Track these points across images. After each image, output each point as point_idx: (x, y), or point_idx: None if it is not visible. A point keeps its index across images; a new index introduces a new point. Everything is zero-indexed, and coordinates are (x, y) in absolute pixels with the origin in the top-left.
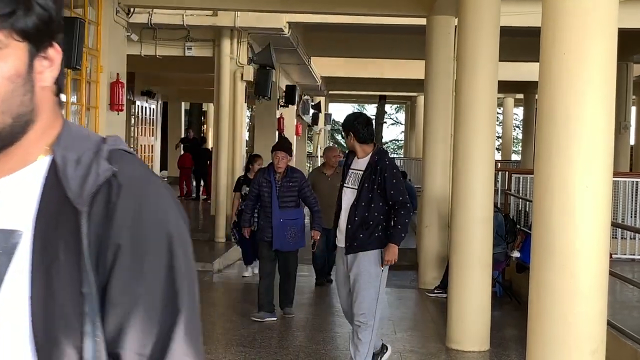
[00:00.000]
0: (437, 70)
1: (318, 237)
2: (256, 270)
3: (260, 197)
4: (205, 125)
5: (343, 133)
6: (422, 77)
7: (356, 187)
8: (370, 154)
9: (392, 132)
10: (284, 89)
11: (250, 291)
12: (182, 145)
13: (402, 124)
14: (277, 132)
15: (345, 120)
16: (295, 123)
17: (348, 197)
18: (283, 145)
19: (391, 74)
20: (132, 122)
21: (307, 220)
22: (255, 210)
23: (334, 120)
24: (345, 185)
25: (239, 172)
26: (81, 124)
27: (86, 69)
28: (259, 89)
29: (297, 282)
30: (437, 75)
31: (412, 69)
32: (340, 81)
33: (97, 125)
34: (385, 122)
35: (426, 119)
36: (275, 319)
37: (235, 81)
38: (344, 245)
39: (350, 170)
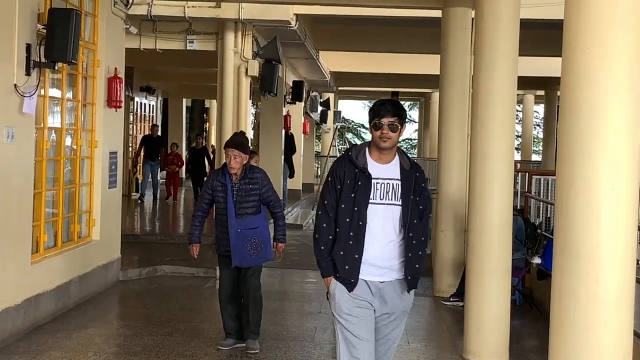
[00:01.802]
0: (453, 65)
1: (281, 250)
2: None
3: (214, 204)
4: (207, 123)
5: (392, 124)
6: (437, 73)
7: (396, 202)
8: (398, 157)
9: (405, 131)
10: (291, 85)
11: None
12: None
13: (415, 122)
14: (283, 131)
15: (400, 105)
16: (302, 121)
17: (381, 216)
18: (235, 141)
19: (404, 69)
20: (131, 119)
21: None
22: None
23: (343, 117)
24: (372, 201)
25: None
26: (77, 121)
27: (82, 63)
28: (264, 85)
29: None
30: (453, 71)
31: (426, 64)
32: (350, 77)
33: (93, 123)
34: None
35: (441, 117)
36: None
37: (239, 76)
38: (380, 279)
39: (375, 181)
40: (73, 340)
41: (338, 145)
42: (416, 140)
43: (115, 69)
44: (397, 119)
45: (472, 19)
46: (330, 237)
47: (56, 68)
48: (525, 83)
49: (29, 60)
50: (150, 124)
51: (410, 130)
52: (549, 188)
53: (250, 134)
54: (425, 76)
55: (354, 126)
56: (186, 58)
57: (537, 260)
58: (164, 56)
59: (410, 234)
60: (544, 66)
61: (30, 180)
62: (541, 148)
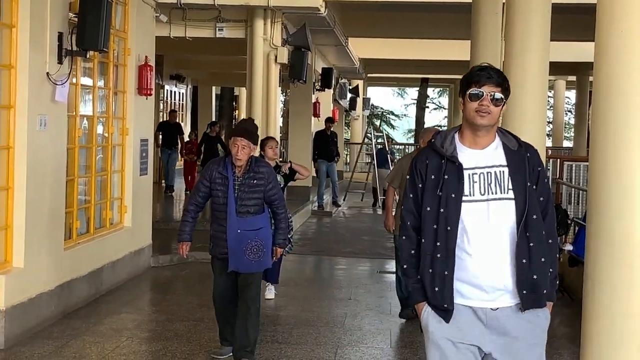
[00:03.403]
0: (483, 51)
1: (279, 255)
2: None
3: (211, 198)
4: (237, 111)
5: (495, 95)
6: (467, 59)
7: (504, 195)
8: (499, 138)
9: (434, 117)
10: (320, 72)
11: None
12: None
13: (445, 109)
14: (312, 118)
15: (504, 75)
16: (331, 108)
17: (484, 217)
18: (244, 129)
19: (434, 55)
20: (161, 107)
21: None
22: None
23: (372, 104)
24: (468, 197)
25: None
26: (108, 109)
27: (113, 51)
28: (293, 72)
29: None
30: (483, 57)
31: (456, 50)
32: (379, 63)
33: (124, 110)
34: (428, 107)
35: None
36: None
37: (268, 64)
38: (492, 305)
39: (469, 172)
40: (105, 325)
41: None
42: (446, 127)
43: (146, 57)
44: (501, 90)
45: (503, 3)
46: (413, 251)
47: (87, 56)
48: (557, 68)
49: (61, 48)
50: (169, 110)
51: (439, 117)
52: (581, 174)
53: (279, 122)
54: (455, 62)
55: (383, 113)
56: (216, 46)
57: (568, 247)
58: (194, 44)
59: (528, 234)
60: (576, 51)
61: (63, 168)
62: (572, 134)
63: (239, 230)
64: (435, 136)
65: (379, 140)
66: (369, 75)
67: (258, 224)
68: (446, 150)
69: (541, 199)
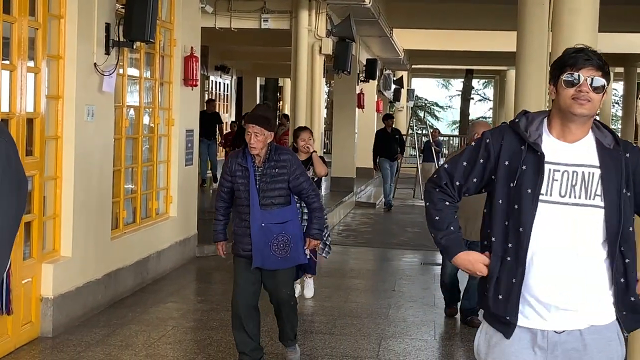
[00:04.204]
0: (530, 42)
1: (313, 247)
2: (299, 290)
3: (234, 193)
4: (281, 102)
5: (596, 81)
6: (513, 50)
7: (590, 202)
8: (592, 133)
9: (479, 109)
10: (364, 63)
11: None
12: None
13: (490, 100)
14: (356, 109)
15: (603, 59)
16: (376, 99)
17: (563, 223)
18: (256, 115)
19: (479, 46)
20: (206, 98)
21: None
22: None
23: (417, 96)
24: (545, 197)
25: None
26: (154, 99)
27: (159, 42)
28: (338, 63)
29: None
30: (529, 48)
31: (501, 41)
32: (424, 54)
33: (170, 101)
34: (472, 98)
35: (517, 95)
36: None
37: (313, 55)
38: (557, 327)
39: (552, 167)
40: (151, 314)
41: (413, 124)
42: (491, 119)
43: (192, 47)
44: (602, 75)
45: None
46: (448, 203)
47: (134, 47)
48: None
49: (108, 39)
50: (207, 99)
51: (484, 109)
52: None
53: (323, 113)
54: (500, 53)
55: (428, 104)
56: (260, 37)
57: None
58: (239, 35)
59: (623, 249)
60: (623, 42)
61: (110, 158)
62: (620, 126)
63: (263, 224)
64: (520, 116)
65: (424, 132)
66: (413, 66)
67: (284, 217)
68: (530, 135)
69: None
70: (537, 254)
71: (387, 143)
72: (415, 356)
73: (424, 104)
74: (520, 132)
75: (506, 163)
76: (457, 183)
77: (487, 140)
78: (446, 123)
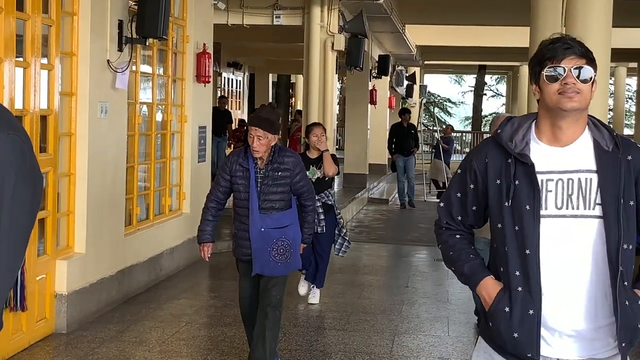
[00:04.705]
0: (543, 37)
1: (302, 251)
2: (305, 290)
3: (232, 193)
4: (293, 98)
5: (582, 70)
6: (526, 45)
7: (588, 213)
8: (589, 132)
9: (492, 105)
10: (377, 59)
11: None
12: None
13: (502, 96)
14: (368, 105)
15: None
16: (388, 95)
17: (559, 239)
18: (260, 117)
19: (492, 42)
20: (218, 94)
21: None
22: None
23: (429, 92)
24: (544, 212)
25: (330, 150)
26: (167, 96)
27: (172, 39)
28: (350, 59)
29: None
30: None
31: (514, 36)
32: (436, 50)
33: (183, 98)
34: (485, 94)
35: (530, 91)
36: None
37: (325, 51)
38: (571, 357)
39: (544, 177)
40: (165, 310)
41: (423, 120)
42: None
43: (204, 44)
44: (586, 62)
45: None
46: (459, 236)
47: (147, 44)
48: (617, 55)
49: (121, 36)
50: (219, 95)
51: (497, 105)
52: None
53: (335, 109)
54: (513, 49)
55: (440, 100)
56: (273, 33)
57: None
58: (251, 31)
59: (622, 269)
60: (637, 37)
61: (123, 154)
62: (633, 122)
63: (262, 229)
64: (503, 125)
65: (435, 128)
66: (425, 62)
67: (284, 221)
68: (515, 145)
69: None
70: (546, 278)
71: (403, 138)
72: (428, 352)
73: (436, 100)
74: (504, 144)
75: (497, 182)
76: (459, 218)
77: (472, 162)
78: (459, 119)
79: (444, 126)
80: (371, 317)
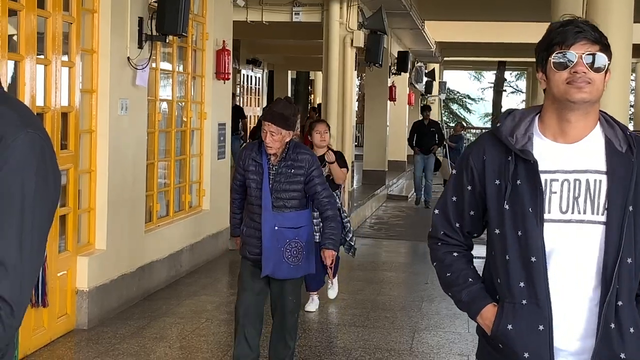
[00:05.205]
0: None
1: (331, 262)
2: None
3: (245, 188)
4: (312, 95)
5: (594, 57)
6: None
7: (594, 218)
8: (600, 128)
9: (511, 101)
10: (396, 56)
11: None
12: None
13: (522, 92)
14: (388, 102)
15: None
16: (407, 92)
17: (565, 246)
18: (273, 112)
19: (511, 38)
20: (237, 91)
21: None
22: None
23: (449, 88)
24: (548, 216)
25: (349, 146)
26: (187, 93)
27: (192, 36)
28: (369, 56)
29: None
30: None
31: (534, 32)
32: (455, 46)
33: (202, 95)
34: (505, 90)
35: None
36: None
37: (344, 48)
38: None
39: (548, 176)
40: (185, 307)
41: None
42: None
43: (224, 41)
44: (600, 49)
45: None
46: (457, 254)
47: (167, 41)
48: (639, 51)
49: (141, 33)
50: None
51: (517, 101)
52: None
53: (354, 106)
54: (533, 45)
55: (459, 97)
56: (292, 30)
57: None
58: (270, 28)
59: (619, 287)
60: None
61: (144, 151)
62: None
63: (276, 227)
64: (503, 118)
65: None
66: (445, 58)
67: (299, 222)
68: (516, 140)
69: None
70: (553, 289)
71: (422, 135)
72: (448, 349)
73: (455, 97)
74: (504, 139)
75: (497, 182)
76: (457, 225)
77: (469, 161)
78: (478, 116)
79: (455, 124)
80: (391, 314)
